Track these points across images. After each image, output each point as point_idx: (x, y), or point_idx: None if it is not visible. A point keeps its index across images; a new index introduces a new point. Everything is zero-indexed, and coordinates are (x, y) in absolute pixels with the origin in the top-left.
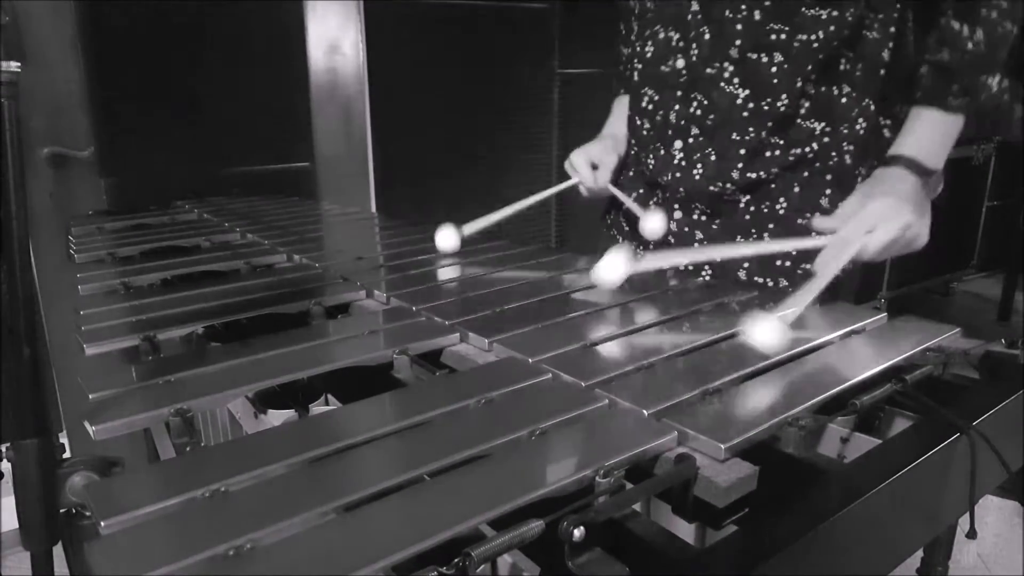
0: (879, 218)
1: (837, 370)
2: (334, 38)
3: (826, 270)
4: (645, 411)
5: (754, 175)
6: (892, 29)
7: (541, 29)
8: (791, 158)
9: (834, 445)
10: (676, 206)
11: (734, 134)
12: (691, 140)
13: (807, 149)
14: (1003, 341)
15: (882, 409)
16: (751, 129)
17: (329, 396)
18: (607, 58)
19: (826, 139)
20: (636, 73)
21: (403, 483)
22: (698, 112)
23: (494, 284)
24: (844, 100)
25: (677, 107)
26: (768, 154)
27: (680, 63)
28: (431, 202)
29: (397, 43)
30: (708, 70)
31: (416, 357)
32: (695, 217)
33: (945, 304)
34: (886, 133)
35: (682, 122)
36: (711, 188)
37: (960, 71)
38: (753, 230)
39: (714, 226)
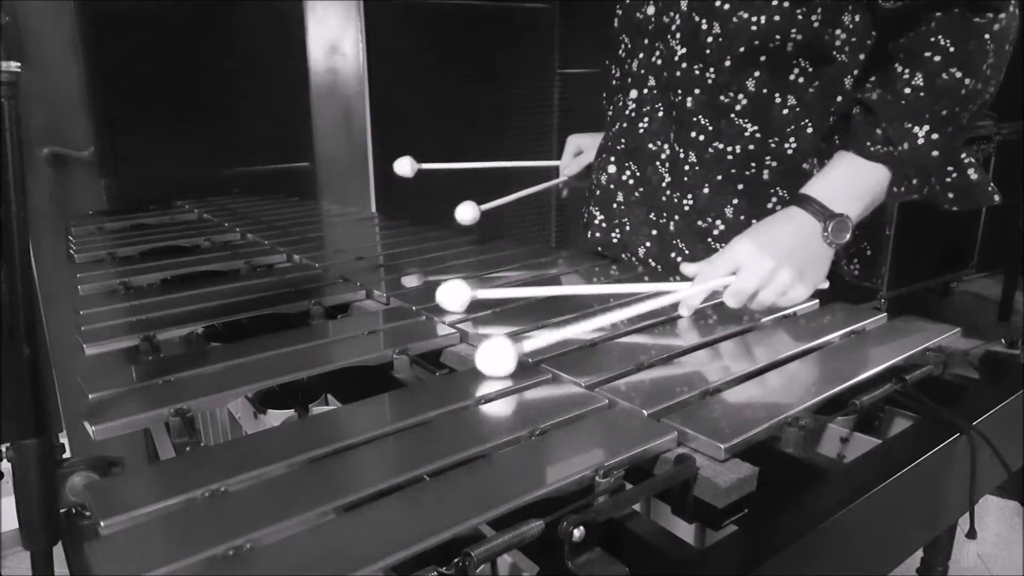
0: (741, 260)
1: (837, 370)
2: (334, 38)
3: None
4: (645, 411)
5: (680, 151)
6: (862, 57)
7: (541, 29)
8: (711, 151)
9: (834, 445)
10: (612, 159)
11: (672, 94)
12: (645, 91)
13: (729, 148)
14: (1003, 341)
15: (882, 409)
16: (680, 91)
17: (329, 396)
18: (607, 58)
19: (751, 146)
20: (616, 19)
21: (403, 483)
22: (658, 63)
23: (494, 284)
24: (785, 111)
25: (641, 55)
26: (692, 134)
27: (651, 9)
28: (431, 202)
29: (397, 43)
30: (664, 18)
31: (416, 357)
32: (623, 178)
33: (945, 304)
34: (805, 167)
35: (642, 71)
36: (649, 146)
37: (884, 114)
38: (664, 214)
39: (635, 195)
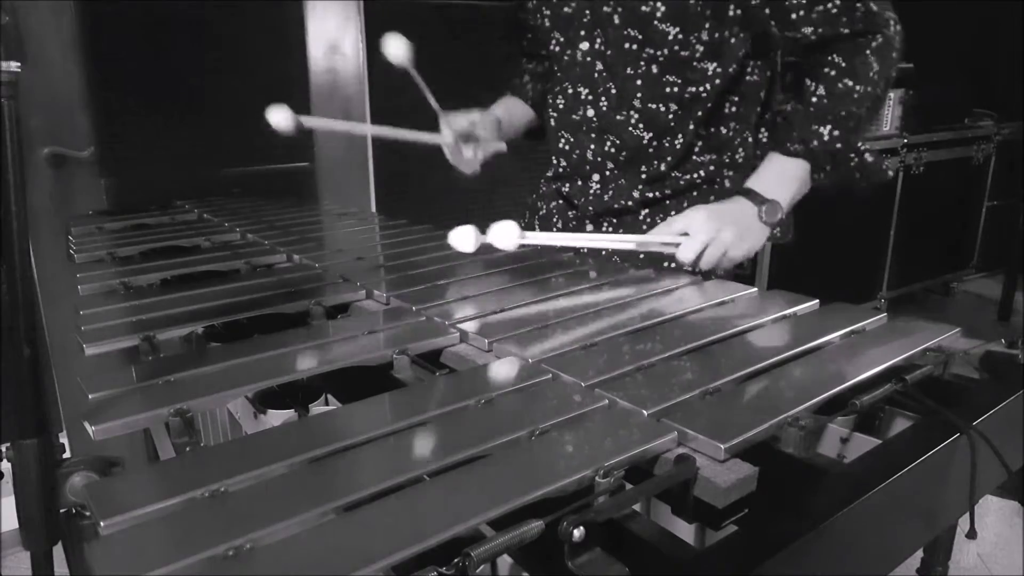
0: (692, 222)
1: (837, 370)
2: (334, 38)
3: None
4: (645, 411)
5: (651, 195)
6: (768, 73)
7: None
8: (682, 183)
9: (834, 445)
10: (587, 222)
11: (642, 166)
12: (607, 173)
13: (696, 175)
14: (1003, 341)
15: (882, 409)
16: (655, 162)
17: (329, 396)
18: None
19: (712, 167)
20: (552, 120)
21: (403, 483)
22: (612, 150)
23: (494, 284)
24: (730, 134)
25: (592, 146)
26: (667, 181)
27: (591, 112)
28: (431, 202)
29: None
30: (618, 117)
31: (416, 357)
32: (604, 229)
33: (945, 304)
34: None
35: (598, 159)
36: (615, 206)
37: (796, 121)
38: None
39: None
